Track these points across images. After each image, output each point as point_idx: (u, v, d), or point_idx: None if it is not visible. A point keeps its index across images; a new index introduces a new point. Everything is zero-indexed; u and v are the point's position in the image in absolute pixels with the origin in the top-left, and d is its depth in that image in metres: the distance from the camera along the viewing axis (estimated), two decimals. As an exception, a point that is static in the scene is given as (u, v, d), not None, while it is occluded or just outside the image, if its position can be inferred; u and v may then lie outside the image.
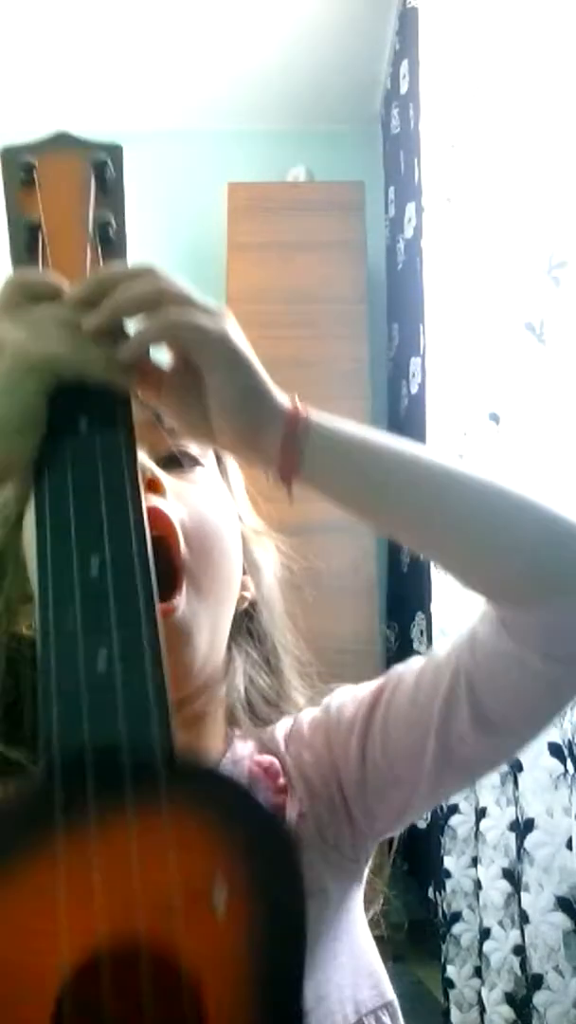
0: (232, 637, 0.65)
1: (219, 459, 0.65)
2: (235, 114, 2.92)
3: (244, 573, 0.65)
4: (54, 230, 0.54)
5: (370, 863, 0.64)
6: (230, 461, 0.66)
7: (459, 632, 0.58)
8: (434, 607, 1.67)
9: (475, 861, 1.47)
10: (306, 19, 2.55)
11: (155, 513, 0.55)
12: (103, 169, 0.57)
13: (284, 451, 0.51)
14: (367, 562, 2.25)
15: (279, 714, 0.67)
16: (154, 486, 0.57)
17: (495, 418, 1.41)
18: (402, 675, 0.60)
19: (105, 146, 0.58)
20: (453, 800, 1.55)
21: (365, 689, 0.62)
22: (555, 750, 1.14)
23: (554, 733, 1.13)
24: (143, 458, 0.56)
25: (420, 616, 1.99)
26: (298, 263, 2.51)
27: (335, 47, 2.65)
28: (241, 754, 0.64)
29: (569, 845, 1.11)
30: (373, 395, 2.46)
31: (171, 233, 2.92)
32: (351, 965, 0.58)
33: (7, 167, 0.55)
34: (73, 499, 0.46)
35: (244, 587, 0.65)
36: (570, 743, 1.10)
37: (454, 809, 1.56)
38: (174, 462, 0.60)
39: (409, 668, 0.60)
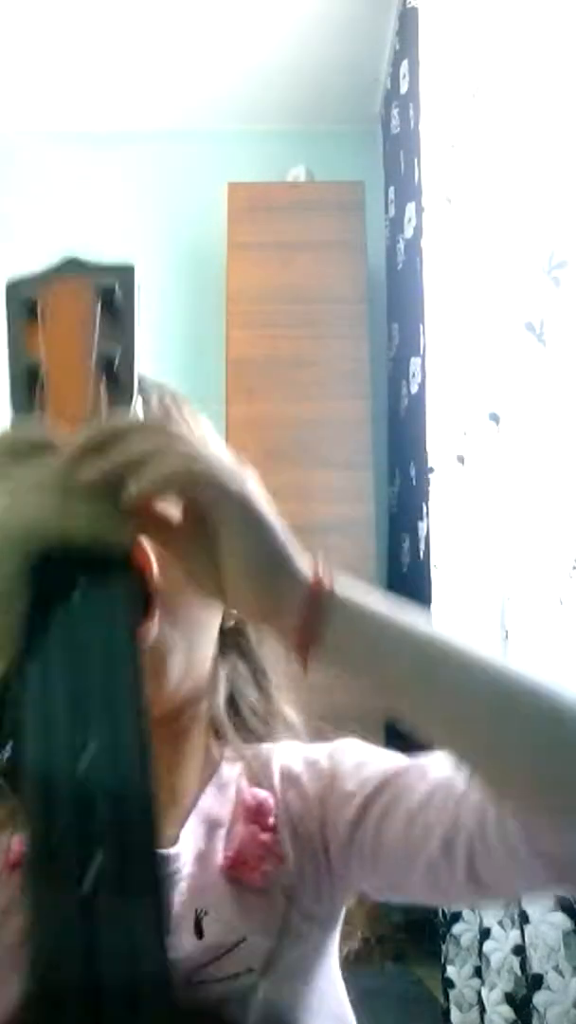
0: (220, 651, 0.65)
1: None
2: (235, 114, 2.92)
3: None
4: (56, 368, 0.50)
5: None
6: None
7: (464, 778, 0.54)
8: (434, 607, 1.66)
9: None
10: (306, 19, 2.55)
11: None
12: (111, 295, 0.52)
13: (304, 627, 0.46)
14: (367, 562, 2.25)
15: (268, 729, 0.67)
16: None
17: (495, 418, 1.41)
18: (409, 784, 0.58)
19: (115, 268, 0.54)
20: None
21: (372, 766, 0.61)
22: (555, 750, 1.13)
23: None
24: None
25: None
26: (298, 263, 2.51)
27: (335, 47, 2.65)
28: (228, 777, 0.64)
29: (569, 845, 1.11)
30: (373, 395, 2.46)
31: (171, 233, 2.92)
32: (323, 1010, 0.59)
33: (10, 303, 0.53)
34: (61, 678, 0.42)
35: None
36: (570, 743, 1.10)
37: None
38: None
39: (420, 776, 0.58)
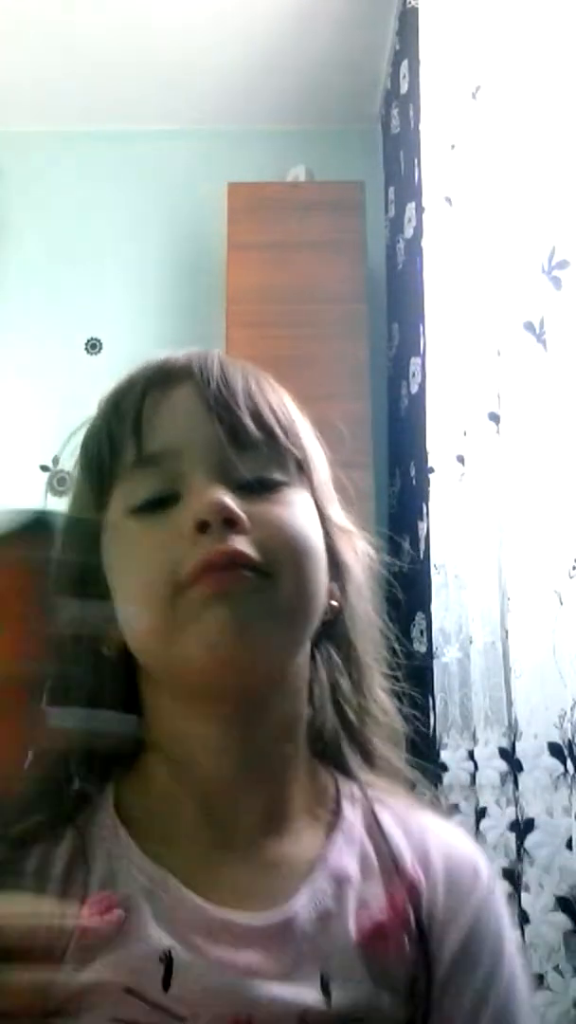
0: (313, 649, 0.59)
1: (301, 467, 0.59)
2: (235, 114, 2.92)
3: (330, 579, 0.59)
4: None
5: None
6: (315, 462, 0.61)
7: None
8: (434, 607, 1.66)
9: (475, 861, 1.47)
10: (306, 19, 2.55)
11: (237, 555, 0.51)
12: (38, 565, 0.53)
13: None
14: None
15: (363, 740, 0.61)
16: (232, 523, 0.52)
17: (495, 418, 1.41)
18: None
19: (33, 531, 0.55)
20: (453, 800, 1.55)
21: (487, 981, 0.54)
22: (555, 750, 1.13)
23: (554, 733, 1.13)
24: (219, 494, 0.52)
25: (420, 616, 1.99)
26: (298, 263, 2.51)
27: (335, 47, 2.65)
28: (351, 819, 0.57)
29: (569, 845, 1.11)
30: (373, 395, 2.46)
31: (171, 233, 2.92)
32: None
33: None
34: None
35: (331, 595, 0.59)
36: (570, 743, 1.10)
37: (454, 809, 1.56)
38: (253, 486, 0.55)
39: None
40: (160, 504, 0.54)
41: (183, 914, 0.51)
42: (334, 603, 0.60)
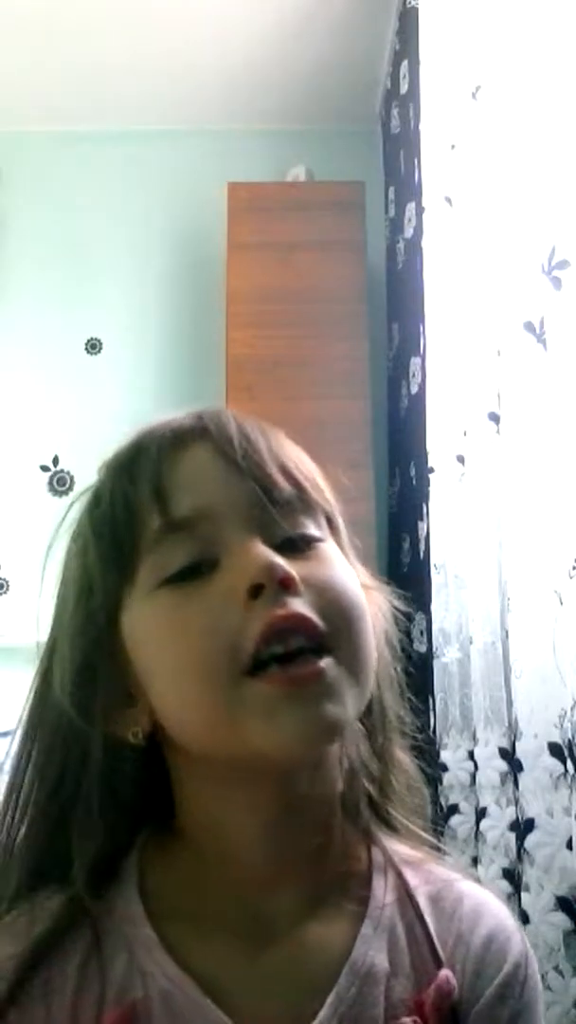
0: None
1: (330, 521, 0.57)
2: (235, 114, 2.92)
3: None
4: None
5: None
6: (339, 520, 0.59)
7: None
8: (434, 607, 1.66)
9: (475, 861, 1.47)
10: (306, 19, 2.55)
11: (301, 621, 0.48)
12: None
13: None
14: (367, 562, 2.25)
15: (388, 806, 0.58)
16: (287, 584, 0.49)
17: (495, 418, 1.41)
18: None
19: None
20: (453, 800, 1.55)
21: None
22: (555, 750, 1.13)
23: (554, 733, 1.13)
24: (269, 554, 0.49)
25: (420, 616, 1.99)
26: (298, 263, 2.51)
27: (335, 47, 2.65)
28: (382, 902, 0.54)
29: (569, 845, 1.11)
30: (373, 395, 2.46)
31: (171, 233, 2.92)
32: None
33: None
34: None
35: None
36: (570, 743, 1.10)
37: (454, 809, 1.56)
38: (293, 544, 0.52)
39: None
40: (196, 571, 0.50)
41: None
42: None
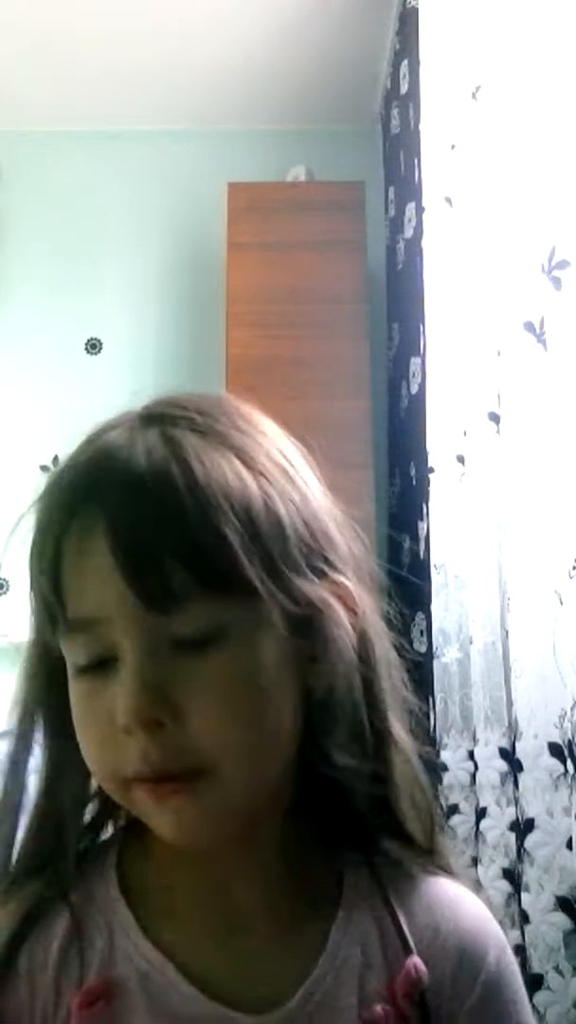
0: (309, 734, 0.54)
1: (251, 588, 0.49)
2: (235, 114, 2.92)
3: (315, 660, 0.52)
4: None
5: None
6: (315, 533, 0.55)
7: None
8: (434, 607, 1.66)
9: (475, 861, 1.47)
10: (306, 19, 2.55)
11: (161, 770, 0.48)
12: None
13: None
14: (367, 562, 2.25)
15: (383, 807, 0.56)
16: (155, 726, 0.47)
17: (495, 418, 1.41)
18: None
19: None
20: (453, 800, 1.55)
21: None
22: (555, 750, 1.13)
23: (554, 733, 1.13)
24: (135, 696, 0.47)
25: (420, 616, 1.99)
26: (298, 263, 2.51)
27: (335, 47, 2.65)
28: (355, 901, 0.55)
29: (569, 845, 1.11)
30: (373, 395, 2.46)
31: (171, 233, 2.92)
32: None
33: None
34: None
35: (317, 675, 0.53)
36: (570, 743, 1.10)
37: (454, 809, 1.56)
38: (190, 641, 0.49)
39: None
40: (105, 663, 0.49)
41: (177, 1005, 0.50)
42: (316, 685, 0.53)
